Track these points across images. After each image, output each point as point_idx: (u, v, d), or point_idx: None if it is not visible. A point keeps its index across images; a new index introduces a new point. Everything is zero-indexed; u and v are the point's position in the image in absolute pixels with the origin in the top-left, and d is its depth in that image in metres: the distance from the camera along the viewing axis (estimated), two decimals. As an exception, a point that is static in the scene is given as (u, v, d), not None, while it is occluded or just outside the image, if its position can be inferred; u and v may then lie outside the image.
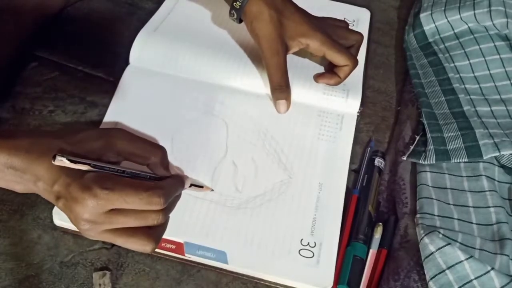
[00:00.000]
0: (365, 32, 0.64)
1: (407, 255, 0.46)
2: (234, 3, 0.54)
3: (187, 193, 0.46)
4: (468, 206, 0.49)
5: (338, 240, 0.48)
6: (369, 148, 0.55)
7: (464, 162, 0.52)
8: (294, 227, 0.48)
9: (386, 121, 0.59)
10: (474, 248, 0.45)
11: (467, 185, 0.50)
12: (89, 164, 0.38)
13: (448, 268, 0.42)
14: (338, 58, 0.55)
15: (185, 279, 0.46)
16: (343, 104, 0.57)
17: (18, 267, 0.46)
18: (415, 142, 0.53)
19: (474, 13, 0.61)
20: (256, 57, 0.58)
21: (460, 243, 0.45)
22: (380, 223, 0.49)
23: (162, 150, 0.43)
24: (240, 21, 0.56)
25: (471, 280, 0.42)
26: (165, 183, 0.41)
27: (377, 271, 0.46)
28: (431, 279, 0.43)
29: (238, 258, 0.46)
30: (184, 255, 0.46)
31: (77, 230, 0.39)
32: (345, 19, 0.63)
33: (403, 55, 0.64)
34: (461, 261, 0.42)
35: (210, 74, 0.58)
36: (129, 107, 0.55)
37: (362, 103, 0.57)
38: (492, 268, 0.42)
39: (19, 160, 0.38)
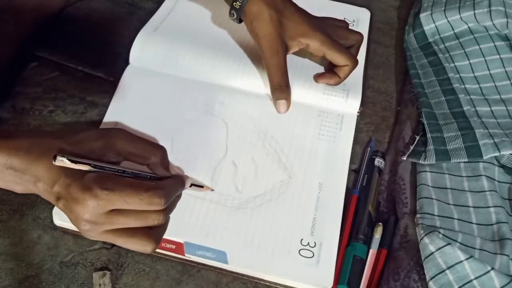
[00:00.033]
0: (365, 32, 0.64)
1: (407, 255, 0.46)
2: (234, 3, 0.54)
3: (187, 193, 0.46)
4: (468, 206, 0.49)
5: (338, 240, 0.48)
6: (369, 148, 0.55)
7: (464, 162, 0.52)
8: (294, 227, 0.48)
9: (386, 121, 0.59)
10: (474, 248, 0.45)
11: (467, 185, 0.50)
12: (89, 164, 0.38)
13: (448, 268, 0.42)
14: (338, 58, 0.55)
15: (185, 279, 0.46)
16: (343, 104, 0.57)
17: (18, 267, 0.46)
18: (415, 142, 0.53)
19: (474, 13, 0.61)
20: (256, 57, 0.58)
21: (460, 243, 0.45)
22: (380, 223, 0.49)
23: (162, 150, 0.43)
24: (240, 21, 0.56)
25: (471, 280, 0.42)
26: (166, 183, 0.41)
27: (377, 271, 0.46)
28: (431, 279, 0.43)
29: (238, 258, 0.46)
30: (184, 255, 0.46)
31: (77, 230, 0.39)
32: (345, 19, 0.63)
33: (403, 55, 0.64)
34: (461, 261, 0.42)
35: (210, 74, 0.58)
36: (129, 107, 0.55)
37: (362, 103, 0.57)
38: (492, 268, 0.42)
39: (18, 161, 0.38)
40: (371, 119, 0.59)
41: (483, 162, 0.51)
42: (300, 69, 0.59)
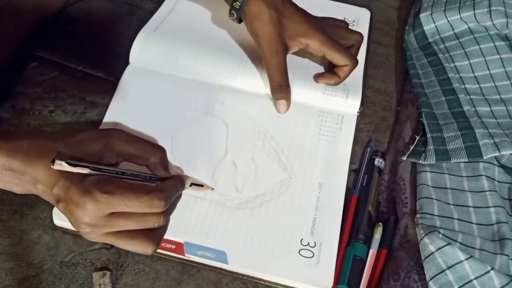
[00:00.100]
0: (365, 32, 0.64)
1: (407, 255, 0.46)
2: (234, 3, 0.54)
3: (187, 193, 0.46)
4: (468, 206, 0.49)
5: (338, 240, 0.48)
6: (369, 148, 0.55)
7: (464, 162, 0.52)
8: (294, 227, 0.48)
9: (386, 121, 0.59)
10: (474, 248, 0.45)
11: (467, 185, 0.50)
12: (88, 167, 0.38)
13: (448, 268, 0.42)
14: (338, 58, 0.55)
15: (185, 279, 0.46)
16: (343, 104, 0.57)
17: (18, 267, 0.46)
18: (415, 142, 0.53)
19: (474, 13, 0.61)
20: (256, 57, 0.58)
21: (460, 243, 0.45)
22: (380, 223, 0.49)
23: (161, 151, 0.43)
24: (240, 21, 0.56)
25: (471, 280, 0.42)
26: (166, 184, 0.41)
27: (377, 271, 0.46)
28: (431, 279, 0.43)
29: (238, 258, 0.46)
30: (184, 255, 0.46)
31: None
32: (345, 19, 0.63)
33: (403, 55, 0.64)
34: (461, 261, 0.42)
35: (210, 74, 0.58)
36: (129, 107, 0.55)
37: (362, 103, 0.57)
38: (492, 268, 0.42)
39: (17, 162, 0.38)
40: (371, 119, 0.59)
41: (483, 162, 0.51)
42: (300, 69, 0.59)
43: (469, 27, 0.62)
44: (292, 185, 0.51)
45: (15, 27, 0.58)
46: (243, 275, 0.46)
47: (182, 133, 0.54)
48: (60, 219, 0.47)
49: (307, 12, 0.56)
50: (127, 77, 0.58)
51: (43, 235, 0.48)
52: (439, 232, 0.44)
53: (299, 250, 0.47)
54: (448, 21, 0.62)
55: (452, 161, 0.51)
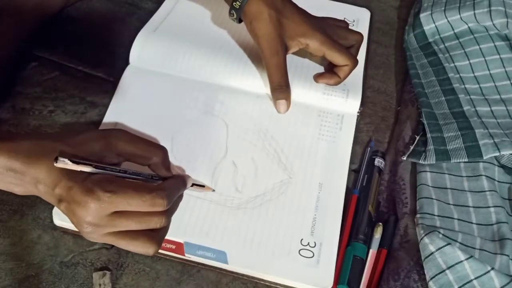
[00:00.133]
0: (365, 32, 0.64)
1: (407, 255, 0.46)
2: (234, 3, 0.54)
3: (187, 193, 0.46)
4: (468, 206, 0.49)
5: (338, 240, 0.48)
6: (369, 148, 0.55)
7: (464, 162, 0.52)
8: (294, 227, 0.48)
9: (386, 121, 0.59)
10: (474, 248, 0.45)
11: (467, 185, 0.50)
12: (90, 165, 0.38)
13: (448, 268, 0.42)
14: (338, 58, 0.55)
15: (185, 279, 0.46)
16: (343, 104, 0.57)
17: (18, 267, 0.46)
18: (415, 142, 0.53)
19: (474, 13, 0.61)
20: (256, 57, 0.58)
21: (460, 243, 0.45)
22: (380, 223, 0.49)
23: (163, 151, 0.43)
24: (240, 21, 0.56)
25: (471, 280, 0.42)
26: (168, 184, 0.41)
27: (377, 271, 0.46)
28: (431, 279, 0.43)
29: (238, 258, 0.46)
30: (184, 255, 0.46)
31: (77, 230, 0.39)
32: (345, 19, 0.63)
33: (403, 55, 0.64)
34: (461, 261, 0.42)
35: (210, 74, 0.58)
36: (129, 107, 0.55)
37: (362, 103, 0.57)
38: (492, 268, 0.42)
39: (18, 163, 0.38)
40: (371, 119, 0.59)
41: (483, 162, 0.51)
42: (300, 69, 0.59)
43: (469, 27, 0.62)
44: (292, 185, 0.51)
45: (15, 27, 0.58)
46: (243, 275, 0.46)
47: (182, 133, 0.54)
48: (60, 219, 0.47)
49: (307, 12, 0.56)
50: (127, 77, 0.58)
51: (43, 235, 0.48)
52: (439, 232, 0.44)
53: (299, 250, 0.47)
54: (448, 21, 0.62)
55: (452, 161, 0.51)
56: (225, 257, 0.46)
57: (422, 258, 0.44)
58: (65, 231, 0.48)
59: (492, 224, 0.47)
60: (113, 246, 0.47)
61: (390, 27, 0.69)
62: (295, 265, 0.46)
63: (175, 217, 0.42)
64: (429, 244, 0.43)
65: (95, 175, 0.38)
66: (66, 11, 0.66)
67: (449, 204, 0.49)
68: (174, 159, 0.50)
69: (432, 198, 0.49)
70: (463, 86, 0.58)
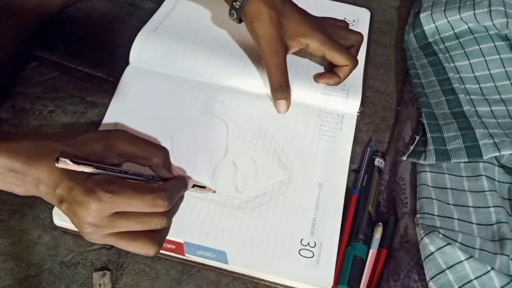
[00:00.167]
0: (365, 32, 0.64)
1: (407, 255, 0.46)
2: (234, 3, 0.54)
3: (187, 193, 0.46)
4: (468, 206, 0.49)
5: (338, 240, 0.48)
6: (369, 148, 0.55)
7: (464, 162, 0.52)
8: (294, 227, 0.48)
9: (386, 121, 0.59)
10: (474, 248, 0.45)
11: (467, 185, 0.50)
12: (92, 166, 0.38)
13: (448, 268, 0.42)
14: (338, 58, 0.55)
15: (185, 279, 0.46)
16: (343, 104, 0.57)
17: (18, 267, 0.46)
18: (415, 142, 0.53)
19: (474, 13, 0.61)
20: (256, 57, 0.58)
21: (460, 243, 0.45)
22: (380, 223, 0.49)
23: (164, 151, 0.43)
24: (240, 21, 0.56)
25: (471, 280, 0.42)
26: (168, 185, 0.41)
27: (377, 271, 0.46)
28: (431, 279, 0.43)
29: (238, 258, 0.46)
30: (184, 255, 0.46)
31: (77, 230, 0.39)
32: (345, 19, 0.63)
33: (403, 55, 0.64)
34: (461, 261, 0.42)
35: (210, 74, 0.58)
36: (129, 107, 0.55)
37: (362, 103, 0.57)
38: (492, 268, 0.42)
39: (19, 163, 0.38)
40: (371, 119, 0.59)
41: (483, 162, 0.51)
42: (300, 69, 0.59)
43: (469, 27, 0.62)
44: (292, 185, 0.51)
45: (15, 27, 0.58)
46: (243, 275, 0.46)
47: (182, 133, 0.54)
48: (60, 219, 0.47)
49: (307, 12, 0.56)
50: (127, 77, 0.58)
51: (43, 235, 0.48)
52: (439, 232, 0.44)
53: (299, 250, 0.47)
54: (448, 21, 0.62)
55: (452, 161, 0.51)
56: (225, 257, 0.46)
57: (422, 258, 0.44)
58: (65, 231, 0.48)
59: (492, 224, 0.47)
60: (113, 246, 0.47)
61: (390, 27, 0.69)
62: (295, 265, 0.46)
63: (175, 217, 0.42)
64: (429, 244, 0.43)
65: (96, 175, 0.38)
66: (66, 11, 0.66)
67: (449, 204, 0.49)
68: (174, 159, 0.50)
69: (432, 198, 0.49)
70: (463, 86, 0.58)
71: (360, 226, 0.48)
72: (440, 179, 0.51)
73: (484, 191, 0.49)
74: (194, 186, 0.45)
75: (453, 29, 0.62)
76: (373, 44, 0.66)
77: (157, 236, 0.40)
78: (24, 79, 0.59)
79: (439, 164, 0.52)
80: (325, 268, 0.46)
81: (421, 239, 0.44)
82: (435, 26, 0.63)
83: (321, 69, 0.59)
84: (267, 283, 0.46)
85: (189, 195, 0.48)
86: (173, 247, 0.46)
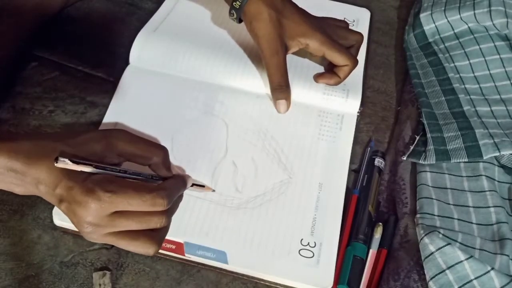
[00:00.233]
0: (365, 32, 0.64)
1: (407, 255, 0.46)
2: (234, 3, 0.54)
3: (187, 193, 0.46)
4: (468, 206, 0.49)
5: (338, 240, 0.48)
6: (369, 148, 0.55)
7: (464, 162, 0.52)
8: (294, 227, 0.48)
9: (386, 121, 0.59)
10: (474, 248, 0.45)
11: (467, 185, 0.50)
12: (91, 165, 0.38)
13: (448, 268, 0.42)
14: (337, 58, 0.55)
15: (185, 279, 0.46)
16: (343, 104, 0.57)
17: (18, 267, 0.46)
18: (415, 142, 0.53)
19: (474, 13, 0.61)
20: (256, 57, 0.58)
21: (460, 243, 0.45)
22: (380, 223, 0.49)
23: (163, 151, 0.43)
24: (240, 21, 0.56)
25: (471, 280, 0.42)
26: (168, 184, 0.41)
27: (377, 271, 0.46)
28: (431, 279, 0.43)
29: (238, 258, 0.46)
30: (184, 255, 0.46)
31: (77, 230, 0.39)
32: (345, 19, 0.63)
33: (403, 55, 0.64)
34: (461, 261, 0.42)
35: (210, 74, 0.58)
36: (129, 107, 0.55)
37: (362, 103, 0.57)
38: (492, 268, 0.42)
39: (19, 163, 0.38)
40: (371, 119, 0.59)
41: (483, 162, 0.51)
42: (300, 69, 0.59)
43: (469, 27, 0.62)
44: (292, 185, 0.51)
45: (15, 27, 0.58)
46: (243, 275, 0.46)
47: (182, 133, 0.54)
48: (60, 219, 0.47)
49: (307, 12, 0.56)
50: (127, 77, 0.58)
51: (43, 235, 0.48)
52: (439, 232, 0.44)
53: (299, 250, 0.47)
54: (448, 21, 0.62)
55: (452, 161, 0.51)
56: (225, 257, 0.46)
57: (422, 258, 0.44)
58: (65, 231, 0.48)
59: (492, 224, 0.47)
60: (113, 246, 0.47)
61: (390, 27, 0.69)
62: (295, 265, 0.46)
63: (175, 217, 0.42)
64: (429, 244, 0.43)
65: (95, 175, 0.38)
66: (66, 11, 0.66)
67: (449, 204, 0.49)
68: (174, 159, 0.50)
69: (432, 198, 0.49)
70: (463, 86, 0.58)
71: (360, 226, 0.48)
72: (440, 179, 0.51)
73: (484, 191, 0.49)
74: (193, 185, 0.45)
75: (453, 29, 0.62)
76: (373, 44, 0.66)
77: (157, 235, 0.40)
78: (24, 79, 0.59)
79: (439, 164, 0.52)
80: (325, 268, 0.46)
81: (421, 239, 0.44)
82: (435, 26, 0.63)
83: (321, 69, 0.59)
84: (267, 283, 0.46)
85: (189, 195, 0.48)
86: (173, 247, 0.46)
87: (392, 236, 0.48)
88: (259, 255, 0.46)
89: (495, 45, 0.60)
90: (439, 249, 0.43)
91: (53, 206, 0.48)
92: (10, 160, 0.38)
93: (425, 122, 0.54)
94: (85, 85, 0.59)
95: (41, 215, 0.49)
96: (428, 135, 0.52)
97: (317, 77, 0.58)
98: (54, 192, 0.38)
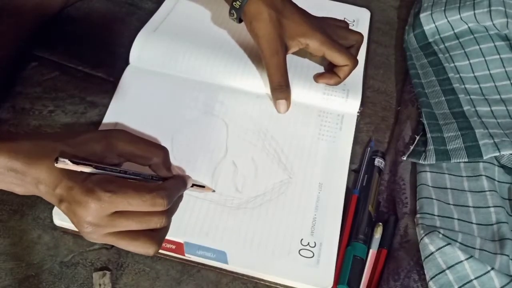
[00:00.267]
0: (365, 32, 0.64)
1: (407, 255, 0.46)
2: (234, 3, 0.54)
3: (187, 193, 0.46)
4: (468, 206, 0.49)
5: (338, 240, 0.48)
6: (369, 148, 0.55)
7: (464, 162, 0.52)
8: (294, 227, 0.48)
9: (386, 121, 0.59)
10: (474, 248, 0.45)
11: (467, 185, 0.50)
12: (91, 166, 0.38)
13: (448, 268, 0.42)
14: (337, 58, 0.55)
15: (185, 279, 0.46)
16: (343, 104, 0.57)
17: (18, 267, 0.46)
18: (415, 142, 0.53)
19: (474, 13, 0.61)
20: (256, 57, 0.58)
21: (460, 243, 0.45)
22: (380, 223, 0.49)
23: (164, 151, 0.43)
24: (240, 21, 0.56)
25: (471, 280, 0.42)
26: (168, 184, 0.41)
27: (377, 271, 0.46)
28: (431, 279, 0.43)
29: (238, 258, 0.46)
30: (184, 255, 0.46)
31: (77, 230, 0.39)
32: (345, 19, 0.63)
33: (403, 55, 0.64)
34: (461, 261, 0.42)
35: (210, 74, 0.58)
36: (129, 107, 0.55)
37: (362, 103, 0.57)
38: (492, 268, 0.42)
39: (19, 163, 0.38)
40: (371, 119, 0.59)
41: (483, 162, 0.51)
42: (300, 69, 0.59)
43: (469, 27, 0.62)
44: (292, 185, 0.51)
45: (15, 27, 0.58)
46: (243, 275, 0.46)
47: (182, 133, 0.54)
48: (60, 219, 0.47)
49: (307, 12, 0.56)
50: (127, 77, 0.58)
51: (43, 235, 0.48)
52: (439, 232, 0.44)
53: (299, 250, 0.47)
54: (448, 21, 0.62)
55: (452, 161, 0.51)
56: (225, 257, 0.46)
57: (422, 258, 0.44)
58: (65, 231, 0.48)
59: (492, 224, 0.47)
60: (113, 246, 0.47)
61: (390, 27, 0.69)
62: (295, 265, 0.46)
63: (175, 217, 0.42)
64: (429, 244, 0.43)
65: (95, 175, 0.38)
66: (66, 11, 0.66)
67: (449, 204, 0.49)
68: (174, 159, 0.50)
69: (432, 198, 0.49)
70: (463, 86, 0.58)
71: (360, 226, 0.48)
72: (440, 179, 0.51)
73: (484, 191, 0.49)
74: (193, 185, 0.45)
75: (453, 29, 0.62)
76: (373, 44, 0.66)
77: (157, 235, 0.40)
78: (24, 79, 0.59)
79: (439, 164, 0.52)
80: (325, 268, 0.46)
81: (421, 239, 0.44)
82: (435, 26, 0.63)
83: (321, 69, 0.59)
84: (267, 283, 0.46)
85: (189, 195, 0.48)
86: (173, 247, 0.46)
87: (392, 236, 0.48)
88: (259, 255, 0.46)
89: (495, 45, 0.60)
90: (439, 249, 0.43)
91: (53, 206, 0.48)
92: (10, 160, 0.38)
93: (425, 122, 0.54)
94: (85, 85, 0.59)
95: (41, 215, 0.49)
96: (428, 135, 0.52)
97: (317, 77, 0.58)
98: (54, 192, 0.38)
